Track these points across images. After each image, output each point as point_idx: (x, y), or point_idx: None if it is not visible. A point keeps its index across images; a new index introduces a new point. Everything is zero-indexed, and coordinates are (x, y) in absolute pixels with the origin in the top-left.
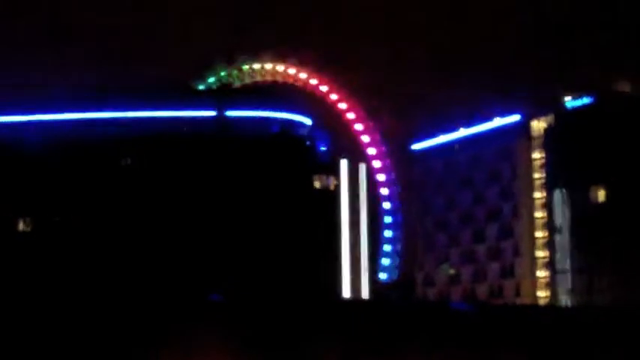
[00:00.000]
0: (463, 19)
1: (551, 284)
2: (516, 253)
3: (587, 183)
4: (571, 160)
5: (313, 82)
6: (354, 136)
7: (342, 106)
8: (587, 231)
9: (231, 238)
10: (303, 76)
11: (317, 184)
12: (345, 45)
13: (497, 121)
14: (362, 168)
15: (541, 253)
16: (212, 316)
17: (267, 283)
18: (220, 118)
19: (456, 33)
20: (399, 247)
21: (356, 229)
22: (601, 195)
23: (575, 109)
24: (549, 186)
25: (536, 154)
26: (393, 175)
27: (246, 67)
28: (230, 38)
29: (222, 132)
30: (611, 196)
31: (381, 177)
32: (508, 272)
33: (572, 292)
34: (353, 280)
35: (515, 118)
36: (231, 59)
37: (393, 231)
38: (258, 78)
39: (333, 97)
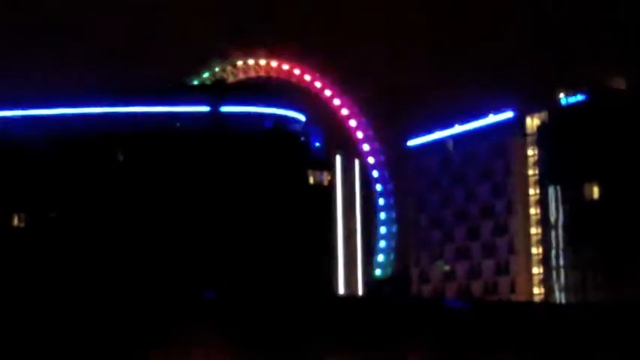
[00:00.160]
0: (459, 18)
1: (546, 281)
2: (511, 249)
3: (581, 180)
4: (565, 157)
5: (307, 78)
6: (348, 133)
7: (336, 102)
8: (582, 227)
9: (226, 234)
10: (297, 72)
11: (311, 180)
12: (341, 41)
13: (492, 118)
14: (356, 164)
15: (535, 250)
16: (205, 313)
17: (261, 280)
18: (214, 114)
19: (452, 32)
20: (393, 243)
21: (350, 225)
22: (595, 191)
23: (570, 106)
24: (543, 182)
25: (531, 151)
26: (387, 172)
27: (240, 62)
28: (230, 38)
29: (216, 128)
30: (605, 193)
31: (375, 173)
32: (503, 269)
33: (567, 288)
34: (348, 277)
35: (510, 114)
36: (225, 55)
37: (387, 227)
38: (252, 74)
39: (327, 93)
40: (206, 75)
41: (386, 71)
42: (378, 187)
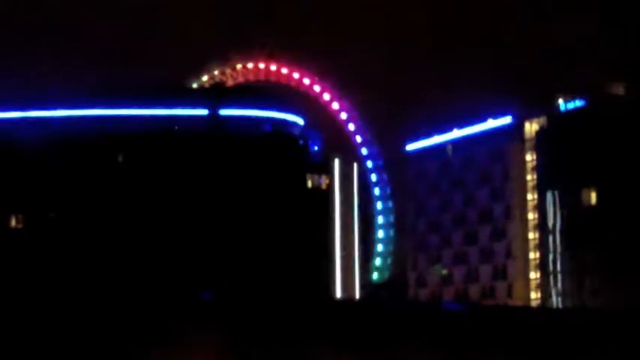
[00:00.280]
0: (458, 22)
1: (543, 286)
2: (508, 254)
3: (579, 185)
4: (563, 163)
5: (306, 81)
6: (347, 136)
7: (335, 105)
8: (579, 233)
9: (224, 236)
10: (296, 75)
11: (309, 184)
12: (340, 44)
13: (491, 123)
14: (355, 168)
15: (533, 255)
16: (203, 315)
17: (259, 282)
18: (213, 117)
19: (451, 35)
20: (391, 247)
21: (348, 229)
22: (593, 197)
23: (569, 112)
24: (542, 188)
25: (529, 156)
26: (385, 176)
27: (239, 66)
28: (229, 40)
29: (214, 131)
30: (603, 199)
31: (373, 177)
32: (500, 273)
33: (564, 293)
34: (345, 280)
35: (509, 119)
36: (224, 58)
37: (385, 231)
38: (252, 77)
39: (326, 96)
40: (205, 78)
41: (385, 76)
42: (377, 191)
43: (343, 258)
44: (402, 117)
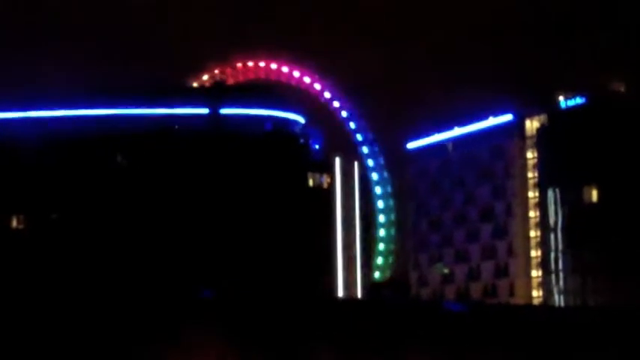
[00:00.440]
0: (459, 20)
1: (545, 284)
2: (510, 252)
3: (580, 183)
4: (564, 160)
5: (307, 80)
6: (347, 135)
7: (336, 104)
8: (581, 230)
9: (225, 235)
10: (296, 74)
11: (311, 183)
12: (341, 43)
13: (491, 121)
14: (356, 166)
15: (534, 253)
16: (204, 313)
17: (261, 281)
18: (214, 116)
19: (451, 34)
20: (392, 246)
21: (350, 227)
22: (594, 195)
23: (569, 109)
24: (543, 185)
25: (530, 154)
26: (386, 174)
27: (239, 64)
28: (230, 37)
29: (215, 130)
30: (605, 196)
31: (374, 175)
32: (502, 272)
33: (566, 291)
34: (347, 279)
35: (509, 117)
36: (225, 57)
37: (386, 230)
38: (252, 76)
39: (327, 95)
40: (205, 77)
41: (385, 74)
42: (378, 189)
43: (345, 257)
44: (402, 115)
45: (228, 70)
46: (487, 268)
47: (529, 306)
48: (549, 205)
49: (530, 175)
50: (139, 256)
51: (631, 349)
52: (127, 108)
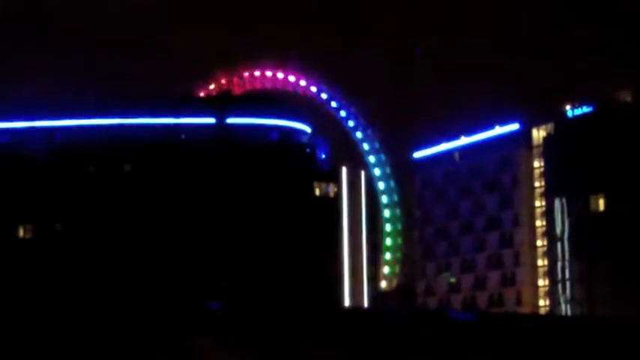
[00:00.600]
0: (466, 27)
1: (551, 293)
2: (517, 261)
3: (587, 192)
4: (571, 169)
5: (313, 89)
6: (354, 144)
7: (343, 113)
8: (588, 240)
9: (232, 245)
10: (303, 83)
11: (317, 192)
12: (348, 51)
13: (498, 130)
14: (362, 176)
15: (541, 262)
16: (211, 324)
17: (267, 291)
18: (220, 126)
19: (458, 42)
20: (399, 255)
21: (356, 237)
22: (601, 204)
23: (576, 118)
24: (549, 194)
25: (537, 163)
26: (393, 183)
27: (246, 74)
28: (236, 47)
29: (222, 139)
30: (612, 205)
31: (381, 185)
32: (509, 281)
33: (572, 301)
34: (353, 289)
35: (516, 126)
36: (231, 66)
37: (393, 239)
38: (258, 85)
39: (334, 104)
40: (212, 86)
41: (392, 84)
42: (384, 198)
43: (351, 266)
44: (409, 125)
45: (235, 80)
46: (494, 277)
47: (536, 315)
48: (556, 215)
49: (536, 184)
50: (147, 266)
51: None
52: (133, 118)
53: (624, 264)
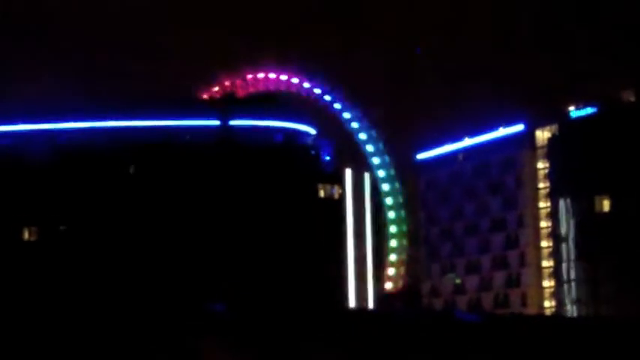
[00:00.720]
0: (466, 27)
1: (557, 294)
2: (522, 262)
3: (591, 192)
4: (576, 170)
5: (317, 91)
6: (358, 146)
7: (346, 115)
8: (592, 240)
9: (236, 247)
10: (306, 85)
11: (321, 194)
12: (351, 53)
13: (502, 131)
14: (366, 177)
15: (546, 263)
16: (215, 326)
17: (272, 293)
18: (224, 128)
19: (458, 42)
20: (404, 256)
21: (361, 238)
22: (606, 204)
23: (580, 119)
24: (554, 195)
25: (541, 164)
26: (397, 185)
27: (249, 76)
28: (240, 50)
29: (225, 142)
30: (616, 206)
31: (385, 186)
32: (514, 282)
33: (578, 301)
34: (358, 290)
35: (520, 127)
36: (235, 68)
37: (398, 241)
38: (262, 87)
39: (337, 106)
40: (216, 89)
41: (396, 85)
42: (389, 200)
43: (356, 268)
44: (413, 126)
45: (239, 82)
46: (499, 278)
47: (541, 316)
48: (561, 215)
49: (541, 185)
50: (151, 268)
51: None
52: (137, 120)
53: (629, 264)
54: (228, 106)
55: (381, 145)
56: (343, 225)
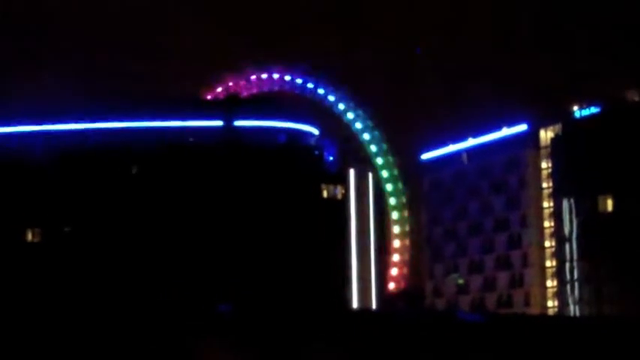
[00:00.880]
0: (466, 27)
1: (560, 294)
2: (525, 262)
3: (595, 192)
4: (579, 170)
5: (321, 91)
6: (362, 146)
7: (350, 115)
8: (596, 240)
9: (239, 248)
10: (310, 85)
11: (325, 194)
12: (355, 53)
13: (506, 131)
14: (370, 178)
15: (549, 263)
16: (220, 327)
17: (275, 293)
18: (228, 128)
19: (458, 42)
20: (407, 256)
21: (364, 239)
22: (609, 204)
23: (583, 119)
24: (557, 195)
25: (545, 164)
26: (401, 185)
27: (253, 76)
28: (243, 50)
29: (229, 142)
30: (620, 206)
31: (389, 186)
32: (517, 282)
33: (581, 301)
34: (361, 290)
35: (524, 127)
36: (238, 69)
37: (401, 241)
38: (266, 88)
39: (341, 106)
40: (219, 89)
41: (399, 85)
42: (392, 200)
43: (359, 268)
44: (417, 126)
45: (242, 83)
46: (502, 278)
47: (544, 316)
48: (564, 215)
49: (544, 185)
50: (155, 269)
51: None
52: (140, 121)
53: (633, 264)
54: (231, 106)
55: (384, 146)
56: (346, 225)
